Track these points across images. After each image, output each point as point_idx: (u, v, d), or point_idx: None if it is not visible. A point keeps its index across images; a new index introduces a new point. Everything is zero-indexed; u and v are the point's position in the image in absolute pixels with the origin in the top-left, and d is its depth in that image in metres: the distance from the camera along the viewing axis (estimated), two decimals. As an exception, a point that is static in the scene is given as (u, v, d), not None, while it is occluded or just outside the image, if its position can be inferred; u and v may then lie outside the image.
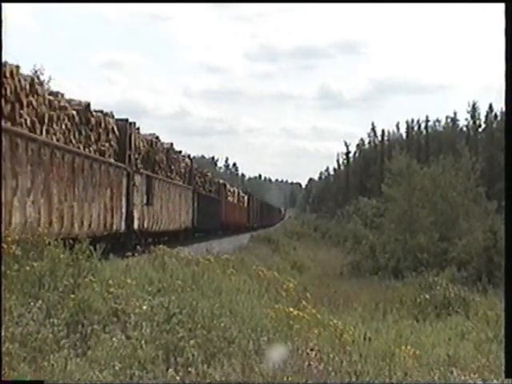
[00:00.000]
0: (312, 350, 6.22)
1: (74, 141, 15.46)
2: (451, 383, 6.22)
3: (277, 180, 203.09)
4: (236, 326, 6.75)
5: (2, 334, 5.19)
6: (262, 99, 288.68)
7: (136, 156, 20.61)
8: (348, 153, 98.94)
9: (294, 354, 6.08)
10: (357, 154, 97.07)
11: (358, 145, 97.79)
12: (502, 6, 4.73)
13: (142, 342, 5.72)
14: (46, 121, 13.85)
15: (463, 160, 39.36)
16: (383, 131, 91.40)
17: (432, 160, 41.88)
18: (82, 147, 15.90)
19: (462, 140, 62.12)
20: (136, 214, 20.00)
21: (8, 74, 11.75)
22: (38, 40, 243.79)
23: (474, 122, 78.00)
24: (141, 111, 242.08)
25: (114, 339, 5.68)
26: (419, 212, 35.96)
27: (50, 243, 7.95)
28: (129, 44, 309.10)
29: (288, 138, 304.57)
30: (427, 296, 15.02)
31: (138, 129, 21.52)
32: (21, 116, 12.49)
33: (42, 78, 27.11)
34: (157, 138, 24.65)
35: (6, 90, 11.62)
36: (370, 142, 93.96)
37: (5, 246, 7.24)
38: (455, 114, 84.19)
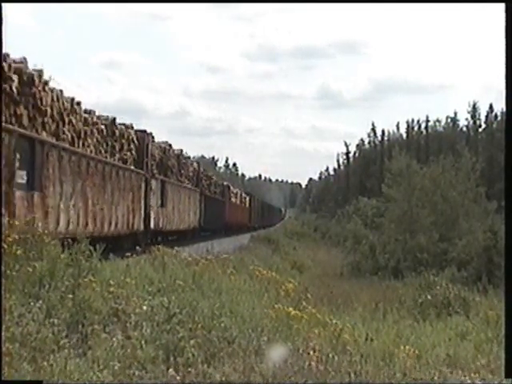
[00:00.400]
0: (312, 349, 6.22)
1: (102, 151, 17.75)
2: (451, 383, 6.22)
3: (277, 180, 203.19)
4: (236, 326, 6.75)
5: (2, 334, 5.19)
6: (261, 99, 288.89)
7: (152, 162, 22.87)
8: (348, 153, 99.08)
9: (294, 354, 6.08)
10: (357, 154, 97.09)
11: (357, 145, 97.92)
12: (502, 6, 4.74)
13: (142, 342, 5.72)
14: (82, 135, 16.16)
15: (463, 160, 39.37)
16: (383, 131, 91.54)
17: (432, 160, 41.89)
18: (108, 157, 18.16)
19: (462, 140, 62.17)
20: (152, 215, 22.06)
21: (55, 98, 14.23)
22: (38, 40, 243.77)
23: (475, 122, 78.04)
24: (140, 111, 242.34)
25: (114, 339, 5.68)
26: (419, 212, 35.96)
27: (49, 243, 7.96)
28: (128, 44, 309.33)
29: (288, 138, 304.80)
30: (427, 296, 15.03)
31: (153, 137, 23.62)
32: (63, 132, 14.73)
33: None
34: (169, 145, 27.02)
35: (52, 110, 14.05)
36: (369, 142, 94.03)
37: (5, 246, 7.25)
38: (455, 114, 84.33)
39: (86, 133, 16.44)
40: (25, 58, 13.12)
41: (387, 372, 6.19)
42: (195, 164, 33.68)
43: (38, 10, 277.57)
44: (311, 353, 6.10)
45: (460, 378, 6.36)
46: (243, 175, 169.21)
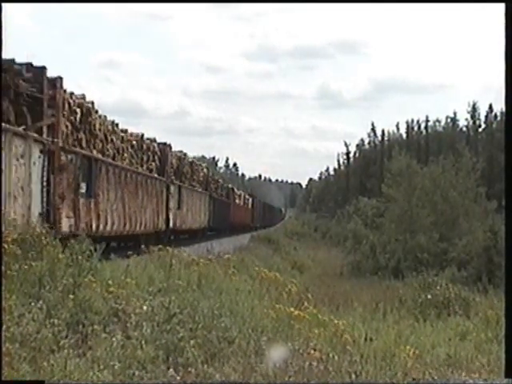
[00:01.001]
0: (312, 349, 6.22)
1: (134, 163, 21.39)
2: (451, 383, 6.22)
3: (277, 180, 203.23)
4: (236, 326, 6.74)
5: (2, 334, 5.18)
6: (261, 99, 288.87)
7: (171, 170, 26.26)
8: (348, 153, 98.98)
9: (294, 354, 6.08)
10: (357, 154, 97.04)
11: (357, 145, 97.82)
12: (502, 6, 4.73)
13: (143, 342, 5.71)
14: (120, 151, 19.76)
15: (463, 160, 39.35)
16: (383, 131, 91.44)
17: (432, 160, 41.88)
18: (139, 167, 21.80)
19: (461, 140, 62.06)
20: (171, 216, 25.43)
21: (102, 123, 17.65)
22: (37, 40, 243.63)
23: (474, 122, 77.98)
24: (140, 111, 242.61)
25: (114, 339, 5.68)
26: (419, 212, 35.96)
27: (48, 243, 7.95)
28: (128, 44, 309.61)
29: (288, 138, 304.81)
30: (427, 296, 15.01)
31: (171, 147, 26.82)
32: (107, 150, 18.23)
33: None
34: (184, 154, 30.84)
35: (100, 132, 17.39)
36: (369, 142, 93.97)
37: (5, 246, 7.24)
38: (455, 114, 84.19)
39: (122, 149, 20.08)
40: (84, 95, 16.55)
41: (387, 372, 6.19)
42: (205, 169, 36.74)
43: (37, 10, 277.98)
44: (311, 353, 6.09)
45: (460, 378, 6.35)
46: (243, 175, 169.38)
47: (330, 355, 6.16)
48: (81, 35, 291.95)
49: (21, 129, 11.92)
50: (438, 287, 16.05)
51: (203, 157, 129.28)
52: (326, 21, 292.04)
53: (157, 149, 24.71)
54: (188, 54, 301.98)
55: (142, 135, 22.90)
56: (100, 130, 17.51)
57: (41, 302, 6.21)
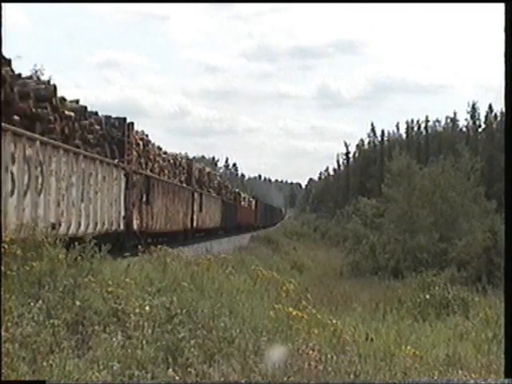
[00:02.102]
0: (312, 350, 6.22)
1: (171, 176, 27.92)
2: (451, 383, 6.22)
3: (277, 180, 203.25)
4: (236, 326, 6.75)
5: (2, 334, 5.19)
6: (260, 99, 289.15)
7: (194, 180, 33.26)
8: (348, 153, 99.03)
9: (293, 354, 6.08)
10: (357, 154, 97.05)
11: (357, 145, 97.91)
12: (501, 6, 4.73)
13: (143, 342, 5.72)
14: (163, 169, 26.39)
15: (463, 160, 39.35)
16: (383, 131, 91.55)
17: (432, 160, 41.90)
18: (174, 179, 28.29)
19: (461, 140, 62.06)
20: (195, 217, 31.85)
21: (150, 146, 24.41)
22: (36, 40, 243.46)
23: (474, 123, 78.05)
24: (139, 111, 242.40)
25: (114, 339, 5.68)
26: (419, 212, 35.95)
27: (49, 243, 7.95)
28: (126, 44, 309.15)
29: (287, 138, 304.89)
30: (427, 296, 15.02)
31: (192, 160, 35.08)
32: (155, 168, 24.73)
33: (42, 78, 27.11)
34: (204, 167, 39.32)
35: (150, 153, 23.87)
36: (369, 143, 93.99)
37: (5, 246, 7.25)
38: (455, 114, 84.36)
39: (165, 166, 26.78)
40: (143, 132, 23.75)
41: (387, 372, 6.19)
42: (218, 178, 45.10)
43: (36, 9, 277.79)
44: (311, 353, 6.09)
45: (460, 378, 6.36)
46: (243, 175, 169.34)
47: (330, 355, 6.16)
48: (79, 35, 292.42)
49: (115, 162, 18.19)
50: (438, 287, 16.06)
51: (203, 157, 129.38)
52: (325, 20, 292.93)
53: (184, 164, 31.88)
54: (187, 53, 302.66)
55: (177, 154, 31.22)
56: (152, 154, 24.39)
57: (40, 302, 6.21)
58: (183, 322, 6.41)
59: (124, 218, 18.60)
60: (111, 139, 18.67)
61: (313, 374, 5.62)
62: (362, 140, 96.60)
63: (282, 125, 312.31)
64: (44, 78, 30.09)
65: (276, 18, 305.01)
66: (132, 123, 20.69)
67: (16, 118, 11.92)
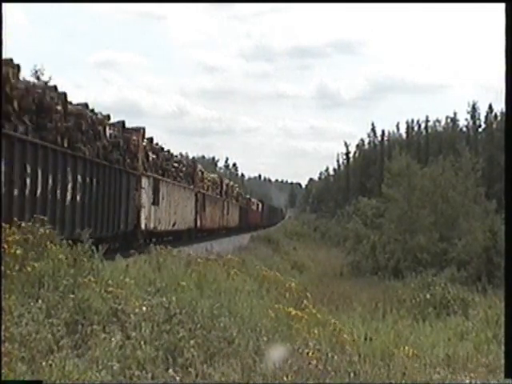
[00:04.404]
0: (311, 349, 6.22)
1: (212, 191, 39.45)
2: (451, 383, 6.22)
3: (277, 180, 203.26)
4: (236, 326, 6.75)
5: (2, 334, 5.18)
6: (259, 99, 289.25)
7: (224, 191, 45.48)
8: (348, 153, 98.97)
9: (293, 354, 6.08)
10: (357, 154, 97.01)
11: (357, 145, 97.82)
12: (502, 6, 4.74)
13: (142, 342, 5.71)
14: (209, 187, 38.20)
15: (463, 160, 39.34)
16: (383, 131, 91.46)
17: (432, 160, 41.88)
18: (213, 192, 39.67)
19: (461, 140, 62.04)
20: (224, 219, 44.51)
21: (204, 174, 37.87)
22: (34, 39, 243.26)
23: (474, 122, 77.97)
24: (138, 111, 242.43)
25: (113, 339, 5.67)
26: (419, 212, 35.95)
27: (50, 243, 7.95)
28: (125, 43, 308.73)
29: (286, 138, 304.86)
30: (427, 296, 15.02)
31: (223, 178, 49.37)
32: (205, 187, 36.33)
33: (42, 78, 27.12)
34: (229, 181, 53.89)
35: (204, 179, 36.71)
36: (369, 142, 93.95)
37: (5, 246, 7.24)
38: (455, 114, 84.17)
39: (210, 186, 38.68)
40: (200, 166, 38.48)
41: (386, 372, 6.19)
42: (237, 189, 57.13)
43: (33, 9, 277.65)
44: (310, 353, 6.09)
45: (459, 378, 6.36)
46: (243, 175, 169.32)
47: (329, 355, 6.16)
48: (77, 35, 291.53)
49: (191, 187, 29.96)
50: (438, 287, 16.06)
51: (203, 157, 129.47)
52: (324, 20, 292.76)
53: (218, 179, 44.44)
54: (185, 53, 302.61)
55: (214, 177, 44.12)
56: (204, 178, 36.92)
57: (40, 302, 6.21)
58: (183, 322, 6.41)
59: (194, 220, 32.31)
60: (188, 174, 31.81)
61: (313, 374, 5.62)
62: (362, 140, 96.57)
63: (281, 125, 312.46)
64: (44, 78, 30.23)
65: (274, 17, 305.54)
66: (195, 161, 39.98)
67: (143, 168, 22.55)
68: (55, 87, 14.65)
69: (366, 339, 7.59)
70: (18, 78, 12.53)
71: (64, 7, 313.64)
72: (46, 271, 7.07)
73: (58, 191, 13.45)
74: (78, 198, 14.59)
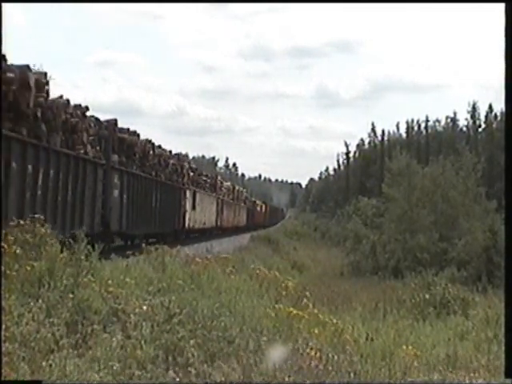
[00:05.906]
0: (312, 349, 6.22)
1: (227, 196, 47.40)
2: (451, 383, 6.22)
3: (277, 180, 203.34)
4: (236, 325, 6.74)
5: (2, 333, 5.18)
6: (258, 98, 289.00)
7: (236, 197, 52.50)
8: (348, 153, 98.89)
9: (294, 354, 6.08)
10: (357, 154, 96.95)
11: (357, 145, 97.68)
12: (501, 6, 4.73)
13: (142, 342, 5.71)
14: (226, 194, 46.97)
15: (463, 160, 39.32)
16: (383, 131, 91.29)
17: (432, 160, 41.85)
18: (228, 198, 47.70)
19: (461, 140, 62.03)
20: (236, 219, 51.48)
21: (223, 182, 49.16)
22: (33, 39, 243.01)
23: (474, 122, 77.89)
24: (137, 111, 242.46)
25: (113, 339, 5.67)
26: (419, 212, 35.94)
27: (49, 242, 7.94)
28: (123, 43, 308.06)
29: (285, 138, 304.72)
30: (427, 296, 15.01)
31: (235, 185, 57.24)
32: (223, 193, 45.18)
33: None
34: (239, 188, 60.73)
35: (222, 186, 46.39)
36: (370, 142, 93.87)
37: (5, 246, 7.24)
38: (455, 114, 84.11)
39: (225, 192, 45.92)
40: (221, 176, 53.75)
41: (387, 372, 6.19)
42: (245, 193, 64.96)
43: (32, 9, 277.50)
44: (311, 352, 6.09)
45: (460, 378, 6.35)
46: (243, 175, 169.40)
47: (330, 355, 6.15)
48: (77, 35, 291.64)
49: (214, 194, 39.95)
50: (438, 287, 16.06)
51: (203, 157, 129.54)
52: (322, 20, 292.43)
53: (231, 186, 51.82)
54: (184, 53, 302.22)
55: (233, 184, 54.71)
56: (222, 186, 45.18)
57: (40, 301, 6.21)
58: (183, 322, 6.40)
59: (215, 220, 38.99)
60: (211, 184, 39.96)
61: (313, 374, 5.61)
62: (362, 140, 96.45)
63: (280, 124, 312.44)
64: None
65: (273, 17, 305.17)
66: (217, 174, 50.46)
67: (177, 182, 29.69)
68: (150, 141, 23.93)
69: (366, 339, 7.58)
70: (139, 138, 22.21)
71: (63, 7, 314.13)
72: (45, 271, 7.07)
73: (153, 204, 23.31)
74: (159, 205, 23.95)
